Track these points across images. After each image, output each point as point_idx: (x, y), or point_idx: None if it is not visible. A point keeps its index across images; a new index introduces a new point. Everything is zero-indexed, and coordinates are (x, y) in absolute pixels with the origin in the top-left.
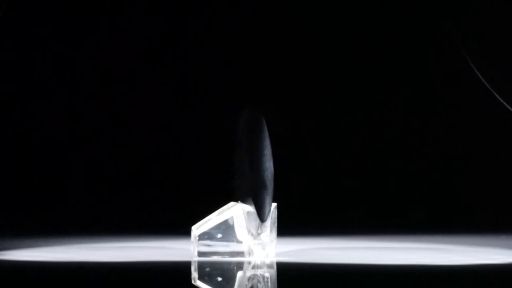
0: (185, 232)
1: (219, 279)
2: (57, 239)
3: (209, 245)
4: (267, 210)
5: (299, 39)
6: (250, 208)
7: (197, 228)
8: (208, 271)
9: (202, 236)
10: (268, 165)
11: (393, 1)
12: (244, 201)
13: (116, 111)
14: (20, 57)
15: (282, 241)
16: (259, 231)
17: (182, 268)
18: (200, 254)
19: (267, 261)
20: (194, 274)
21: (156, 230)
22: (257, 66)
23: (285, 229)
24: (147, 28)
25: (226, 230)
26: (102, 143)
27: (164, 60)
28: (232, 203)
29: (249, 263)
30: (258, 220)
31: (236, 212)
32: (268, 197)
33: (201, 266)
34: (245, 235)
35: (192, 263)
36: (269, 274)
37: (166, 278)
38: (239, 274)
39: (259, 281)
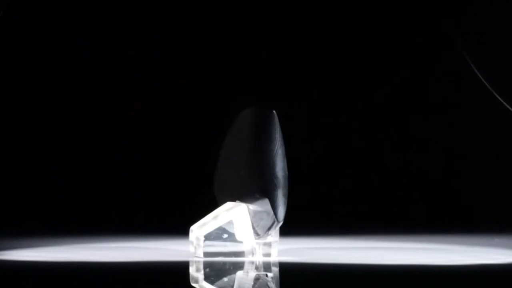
0: (177, 233)
1: (225, 279)
2: (57, 239)
3: (214, 246)
4: (283, 210)
5: (299, 39)
6: (259, 208)
7: (200, 229)
8: (214, 271)
9: (208, 237)
10: (283, 165)
11: (393, 1)
12: (250, 201)
13: (116, 111)
14: (20, 57)
15: (282, 241)
16: (270, 232)
17: (182, 269)
18: (206, 254)
19: (272, 260)
20: (199, 275)
21: (152, 231)
22: (256, 66)
23: (285, 229)
24: (147, 28)
25: (231, 230)
26: (102, 143)
27: (164, 61)
28: (230, 204)
29: (256, 263)
30: (266, 220)
31: (241, 212)
32: (284, 197)
33: (206, 266)
34: (250, 235)
35: (197, 264)
36: (274, 274)
37: (169, 279)
38: (246, 274)
39: (268, 281)
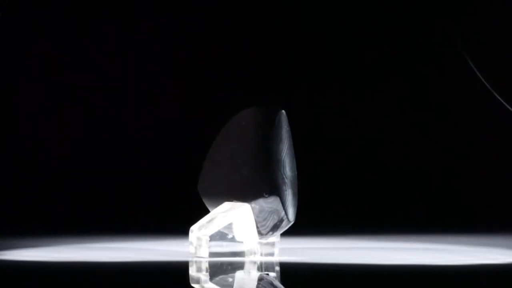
0: (177, 234)
1: (230, 279)
2: (57, 239)
3: (220, 246)
4: (294, 210)
5: (299, 39)
6: (264, 208)
7: (201, 229)
8: (220, 271)
9: (214, 237)
10: (292, 164)
11: (393, 1)
12: (256, 201)
13: (115, 112)
14: (20, 57)
15: (283, 240)
16: (277, 232)
17: (182, 269)
18: (211, 254)
19: (273, 260)
20: (204, 276)
21: (152, 231)
22: (256, 66)
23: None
24: (147, 28)
25: (235, 230)
26: (102, 144)
27: (165, 61)
28: (227, 204)
29: (259, 262)
30: (270, 220)
31: (244, 212)
32: (294, 197)
33: (212, 266)
34: (254, 235)
35: (197, 264)
36: (275, 273)
37: (169, 279)
38: (251, 274)
39: (272, 280)
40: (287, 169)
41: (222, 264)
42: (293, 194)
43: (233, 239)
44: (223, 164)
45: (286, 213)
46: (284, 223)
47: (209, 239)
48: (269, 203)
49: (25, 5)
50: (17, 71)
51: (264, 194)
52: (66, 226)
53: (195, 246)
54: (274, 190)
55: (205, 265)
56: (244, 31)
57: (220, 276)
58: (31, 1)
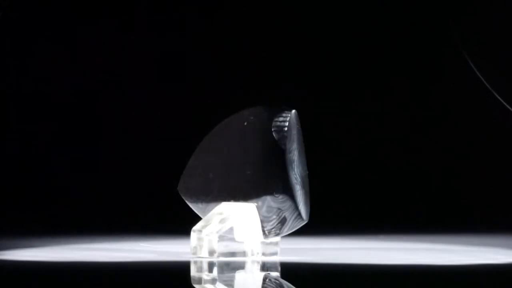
0: (177, 234)
1: (232, 279)
2: (57, 239)
3: (222, 246)
4: (307, 208)
5: (299, 39)
6: (269, 208)
7: (206, 230)
8: (228, 271)
9: (222, 237)
10: (303, 164)
11: (393, 1)
12: (263, 201)
13: (115, 112)
14: (20, 57)
15: (283, 240)
16: (284, 231)
17: (183, 269)
18: (220, 254)
19: (274, 260)
20: (206, 276)
21: (152, 232)
22: (256, 65)
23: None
24: (147, 28)
25: (236, 230)
26: (102, 144)
27: (165, 61)
28: (225, 204)
29: (261, 262)
30: (274, 220)
31: (248, 212)
32: (306, 196)
33: (220, 266)
34: (259, 235)
35: (210, 264)
36: (277, 273)
37: (169, 279)
38: (253, 273)
39: (276, 279)
40: (300, 168)
41: (224, 264)
42: (305, 193)
43: (235, 239)
44: (218, 163)
45: (299, 213)
46: (297, 222)
47: (217, 239)
48: (280, 202)
49: (25, 5)
50: (17, 71)
51: (275, 194)
52: (66, 226)
53: (195, 246)
54: (288, 190)
55: (206, 265)
56: (244, 31)
57: (221, 276)
58: (31, 1)
